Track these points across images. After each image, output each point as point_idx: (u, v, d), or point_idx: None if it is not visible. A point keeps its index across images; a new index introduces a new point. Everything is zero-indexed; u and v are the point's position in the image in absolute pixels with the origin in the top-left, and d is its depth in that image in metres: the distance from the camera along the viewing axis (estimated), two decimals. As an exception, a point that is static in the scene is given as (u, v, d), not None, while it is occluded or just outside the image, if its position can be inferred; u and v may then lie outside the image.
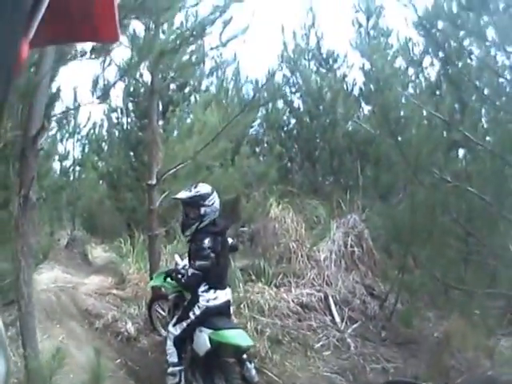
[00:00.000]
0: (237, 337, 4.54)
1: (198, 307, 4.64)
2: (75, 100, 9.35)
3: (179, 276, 4.72)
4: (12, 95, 4.00)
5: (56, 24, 0.78)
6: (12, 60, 0.63)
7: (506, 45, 5.34)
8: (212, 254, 4.58)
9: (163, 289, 5.49)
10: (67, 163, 11.17)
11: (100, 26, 0.83)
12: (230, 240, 5.15)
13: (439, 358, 5.59)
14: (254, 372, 4.95)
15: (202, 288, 4.66)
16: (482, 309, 5.45)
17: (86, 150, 11.63)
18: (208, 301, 4.65)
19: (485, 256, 5.61)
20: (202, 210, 4.80)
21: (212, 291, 4.68)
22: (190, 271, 4.59)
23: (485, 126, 6.39)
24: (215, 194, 4.87)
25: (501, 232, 5.27)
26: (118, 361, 5.70)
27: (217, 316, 4.66)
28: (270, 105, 10.16)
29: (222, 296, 4.75)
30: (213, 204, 4.80)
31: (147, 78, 6.82)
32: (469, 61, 6.12)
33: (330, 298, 6.85)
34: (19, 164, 4.18)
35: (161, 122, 9.08)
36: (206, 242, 4.61)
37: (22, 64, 0.65)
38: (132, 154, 9.59)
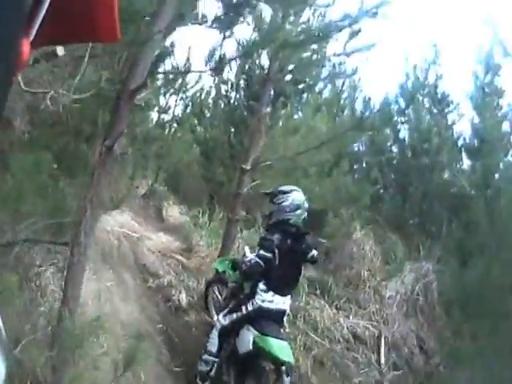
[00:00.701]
0: (280, 349, 4.52)
1: (252, 304, 4.70)
2: (188, 61, 9.38)
3: (242, 265, 4.78)
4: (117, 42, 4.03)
5: (56, 24, 0.80)
6: (13, 60, 0.64)
7: None
8: (276, 250, 4.62)
9: (227, 275, 5.52)
10: (166, 117, 11.27)
11: (100, 26, 0.86)
12: (314, 252, 5.09)
13: None
14: None
15: (261, 286, 4.70)
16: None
17: (188, 110, 11.75)
18: (263, 301, 4.69)
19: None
20: (273, 207, 4.98)
21: (271, 293, 4.70)
22: (253, 259, 4.64)
23: None
24: (291, 195, 4.92)
25: None
26: (160, 326, 5.77)
27: (268, 320, 4.68)
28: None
29: (280, 302, 4.76)
30: (280, 203, 4.89)
31: (264, 61, 6.81)
32: None
33: (383, 337, 6.84)
34: (110, 115, 4.19)
35: (268, 109, 9.14)
36: (274, 236, 4.69)
37: (22, 64, 0.68)
38: (232, 129, 9.67)
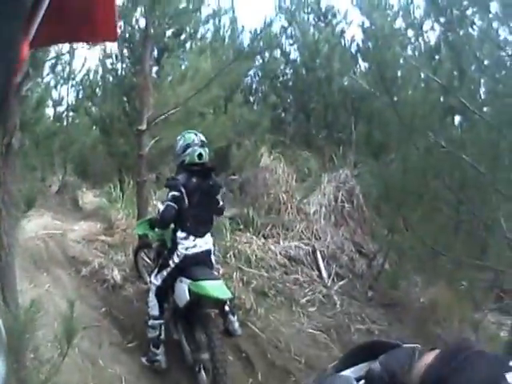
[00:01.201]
0: (215, 289, 4.48)
1: (177, 255, 4.63)
2: (71, 46, 9.20)
3: (157, 217, 4.72)
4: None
5: (56, 24, 0.79)
6: (12, 60, 0.62)
7: (510, 21, 5.20)
8: (182, 189, 4.56)
9: (149, 237, 5.43)
10: (61, 109, 11.01)
11: (99, 26, 0.86)
12: (221, 202, 5.09)
13: (424, 325, 5.61)
14: (236, 325, 4.99)
15: (180, 235, 4.64)
16: (469, 280, 5.42)
17: (80, 95, 11.50)
18: (187, 248, 4.62)
19: (475, 226, 5.54)
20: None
21: (191, 238, 4.65)
22: (163, 205, 4.59)
23: (483, 96, 6.30)
24: (181, 138, 4.93)
25: (493, 205, 5.17)
26: (103, 309, 5.69)
27: (197, 266, 4.62)
28: (267, 55, 10.11)
29: (202, 244, 4.71)
30: (175, 150, 4.96)
31: (143, 24, 6.67)
32: (470, 30, 5.99)
33: (318, 252, 6.80)
34: (2, 112, 4.05)
35: (155, 68, 8.96)
36: (178, 176, 4.67)
37: (22, 64, 0.67)
38: (125, 99, 9.45)
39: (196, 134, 4.92)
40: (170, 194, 4.55)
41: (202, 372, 4.45)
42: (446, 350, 0.75)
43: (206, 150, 4.89)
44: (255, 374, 4.92)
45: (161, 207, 4.83)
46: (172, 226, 4.70)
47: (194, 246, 4.65)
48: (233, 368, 4.71)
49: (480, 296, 5.52)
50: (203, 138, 4.92)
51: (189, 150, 4.78)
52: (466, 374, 0.69)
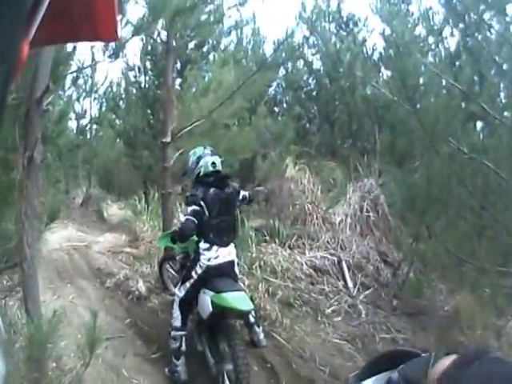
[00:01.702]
0: (238, 300, 4.43)
1: (200, 266, 4.61)
2: (93, 59, 9.31)
3: (177, 229, 4.71)
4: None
5: (56, 24, 0.78)
6: (12, 60, 0.62)
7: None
8: (202, 202, 4.56)
9: (174, 248, 5.46)
10: (84, 122, 11.15)
11: (100, 26, 0.84)
12: (244, 192, 5.14)
13: (448, 333, 5.55)
14: (261, 336, 5.01)
15: (203, 246, 4.63)
16: (492, 286, 5.34)
17: (103, 108, 11.64)
18: (209, 259, 4.61)
19: (498, 232, 5.48)
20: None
21: (214, 249, 4.63)
22: (183, 219, 4.57)
23: (503, 101, 6.25)
24: (192, 153, 4.97)
25: (515, 210, 5.15)
26: (128, 320, 5.73)
27: (220, 277, 4.61)
28: (290, 65, 10.14)
29: (225, 254, 4.70)
30: (189, 166, 4.96)
31: (165, 36, 6.72)
32: (488, 34, 5.95)
33: (344, 262, 6.78)
34: (24, 125, 4.11)
35: (179, 81, 9.03)
36: (197, 191, 4.65)
37: (22, 64, 0.65)
38: (149, 111, 9.60)
39: (205, 147, 4.98)
40: (190, 208, 4.56)
41: (227, 383, 4.40)
42: (461, 356, 0.75)
43: (218, 158, 4.92)
44: (280, 384, 4.94)
45: (182, 220, 4.87)
46: (195, 237, 4.69)
47: (217, 257, 4.64)
48: (258, 379, 4.69)
49: (503, 302, 5.44)
50: (212, 149, 5.00)
51: (202, 162, 4.82)
52: (481, 380, 0.69)
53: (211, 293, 4.46)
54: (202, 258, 4.61)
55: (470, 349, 0.79)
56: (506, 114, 5.65)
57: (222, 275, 4.63)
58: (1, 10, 0.56)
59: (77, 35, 0.89)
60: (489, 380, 0.69)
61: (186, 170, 5.07)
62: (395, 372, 0.81)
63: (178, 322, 4.71)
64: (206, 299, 4.48)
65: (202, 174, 4.79)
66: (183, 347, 4.70)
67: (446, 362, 0.74)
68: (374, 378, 0.87)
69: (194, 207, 4.53)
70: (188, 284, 4.68)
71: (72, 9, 0.79)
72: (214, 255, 4.62)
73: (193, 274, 4.65)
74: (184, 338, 4.71)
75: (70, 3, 0.78)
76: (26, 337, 4.02)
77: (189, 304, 4.75)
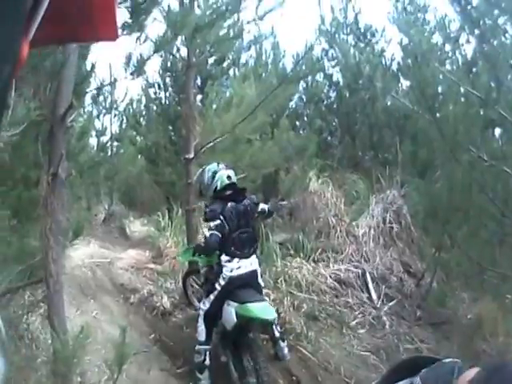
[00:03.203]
0: (260, 310, 4.51)
1: (223, 278, 4.67)
2: (111, 76, 9.40)
3: (201, 244, 4.82)
4: (39, 74, 4.06)
5: (56, 24, 0.78)
6: (12, 60, 0.63)
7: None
8: (221, 216, 4.63)
9: (197, 263, 5.49)
10: (104, 139, 11.21)
11: (100, 26, 0.84)
12: (263, 206, 5.23)
13: (471, 342, 5.52)
14: (286, 350, 5.03)
15: (224, 258, 4.69)
16: (514, 294, 5.35)
17: (124, 125, 11.73)
18: (231, 270, 4.67)
19: (519, 240, 5.48)
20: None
21: (235, 260, 4.70)
22: (207, 234, 4.67)
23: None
24: (205, 170, 5.08)
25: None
26: (152, 336, 5.78)
27: (243, 288, 4.66)
28: (310, 78, 10.14)
29: (247, 265, 4.76)
30: (205, 183, 5.05)
31: (184, 52, 6.78)
32: (503, 39, 5.95)
33: (368, 274, 6.79)
34: (48, 142, 4.19)
35: (199, 97, 9.09)
36: (214, 205, 4.73)
37: (21, 64, 0.66)
38: (171, 128, 9.64)
39: (218, 163, 5.08)
40: (213, 223, 4.62)
41: (250, 397, 4.46)
42: (485, 368, 0.75)
43: (232, 171, 5.03)
44: (305, 397, 4.93)
45: (207, 234, 4.92)
46: (217, 251, 4.75)
47: (239, 268, 4.70)
48: (283, 392, 4.69)
49: (525, 310, 5.42)
50: (226, 164, 5.12)
51: (217, 176, 4.92)
52: None
53: (235, 304, 4.54)
54: (224, 269, 4.69)
55: (492, 361, 0.81)
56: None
57: (245, 285, 4.70)
58: (1, 10, 0.57)
59: (77, 35, 0.92)
60: None
61: (201, 188, 5.13)
62: (416, 378, 0.82)
63: (202, 337, 4.77)
64: (231, 310, 4.55)
65: (219, 187, 4.88)
66: (207, 361, 4.76)
67: (471, 373, 0.74)
68: None
69: (216, 222, 4.60)
70: (212, 296, 4.75)
71: (72, 9, 0.79)
72: (236, 266, 4.70)
73: (216, 286, 4.72)
74: (208, 353, 4.76)
75: (70, 4, 0.79)
76: (50, 352, 4.11)
77: (213, 317, 4.80)
